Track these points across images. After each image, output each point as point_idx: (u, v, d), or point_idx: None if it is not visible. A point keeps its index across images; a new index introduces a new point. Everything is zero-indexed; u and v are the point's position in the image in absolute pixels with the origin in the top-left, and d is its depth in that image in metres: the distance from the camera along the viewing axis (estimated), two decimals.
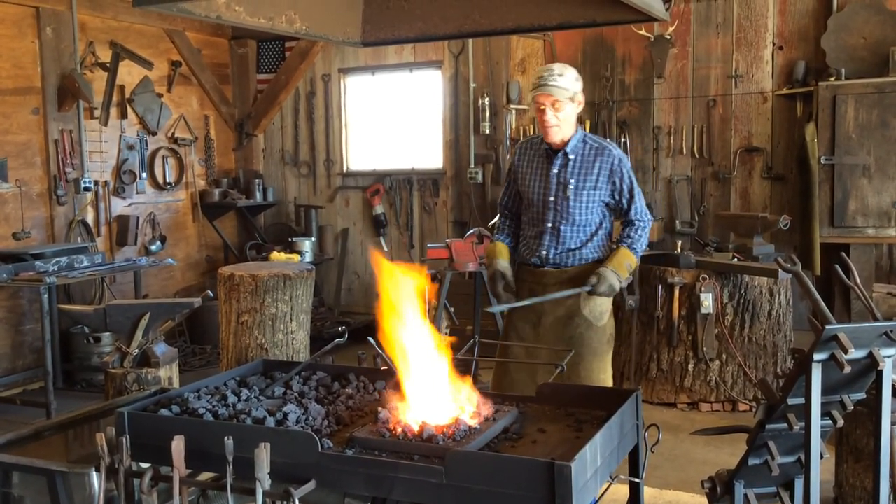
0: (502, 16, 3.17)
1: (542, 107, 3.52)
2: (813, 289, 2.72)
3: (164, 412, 2.59)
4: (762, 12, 6.88)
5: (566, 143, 3.61)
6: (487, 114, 7.73)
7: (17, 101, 6.55)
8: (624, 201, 3.64)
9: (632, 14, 2.77)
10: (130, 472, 2.38)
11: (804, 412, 2.45)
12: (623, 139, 7.35)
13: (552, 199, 3.62)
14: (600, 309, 3.63)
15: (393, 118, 8.46)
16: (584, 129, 3.76)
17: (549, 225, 3.64)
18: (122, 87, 7.39)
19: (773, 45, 6.88)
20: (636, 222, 3.65)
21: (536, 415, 2.69)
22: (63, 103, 6.79)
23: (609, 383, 3.69)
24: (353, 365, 3.25)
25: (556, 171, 3.62)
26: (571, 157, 3.61)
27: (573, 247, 3.64)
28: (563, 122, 3.55)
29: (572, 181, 3.59)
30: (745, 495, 2.80)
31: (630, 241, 3.63)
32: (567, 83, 3.52)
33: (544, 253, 3.67)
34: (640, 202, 3.66)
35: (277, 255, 7.55)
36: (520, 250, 3.83)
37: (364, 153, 8.66)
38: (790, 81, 6.76)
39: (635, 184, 3.66)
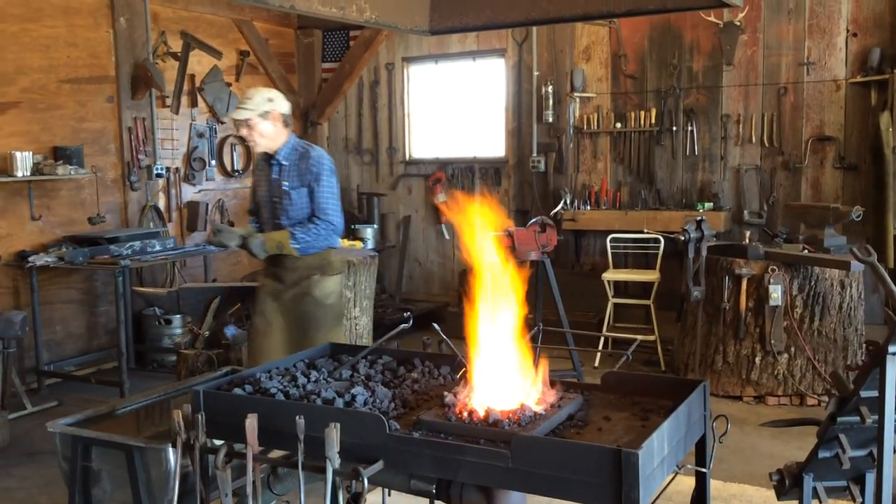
0: (570, 2, 3.15)
1: (240, 126, 4.11)
2: (889, 279, 2.66)
3: (237, 391, 2.67)
4: None
5: (278, 152, 4.15)
6: (551, 102, 7.70)
7: (93, 90, 6.76)
8: (311, 196, 4.14)
9: (704, 0, 2.72)
10: (205, 448, 2.46)
11: (877, 405, 2.40)
12: (690, 127, 7.25)
13: (275, 199, 4.17)
14: (328, 291, 4.17)
15: (456, 107, 8.48)
16: (298, 136, 4.40)
17: (276, 222, 4.18)
18: (192, 76, 7.56)
19: (847, 31, 6.69)
20: (314, 219, 4.11)
21: (601, 403, 2.68)
22: (136, 92, 6.98)
23: None
24: (418, 350, 3.28)
25: (274, 176, 4.17)
26: (285, 163, 4.16)
27: None
28: (263, 136, 4.10)
29: (286, 183, 4.13)
30: (815, 488, 2.76)
31: (298, 227, 4.09)
32: (255, 105, 4.06)
33: None
34: (320, 200, 4.12)
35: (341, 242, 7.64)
36: None
37: (426, 141, 8.71)
38: (864, 69, 6.57)
39: (323, 183, 4.13)
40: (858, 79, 6.60)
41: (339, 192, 4.26)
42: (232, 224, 7.94)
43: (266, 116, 4.07)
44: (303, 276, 4.13)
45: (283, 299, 4.18)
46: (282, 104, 4.14)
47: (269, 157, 4.20)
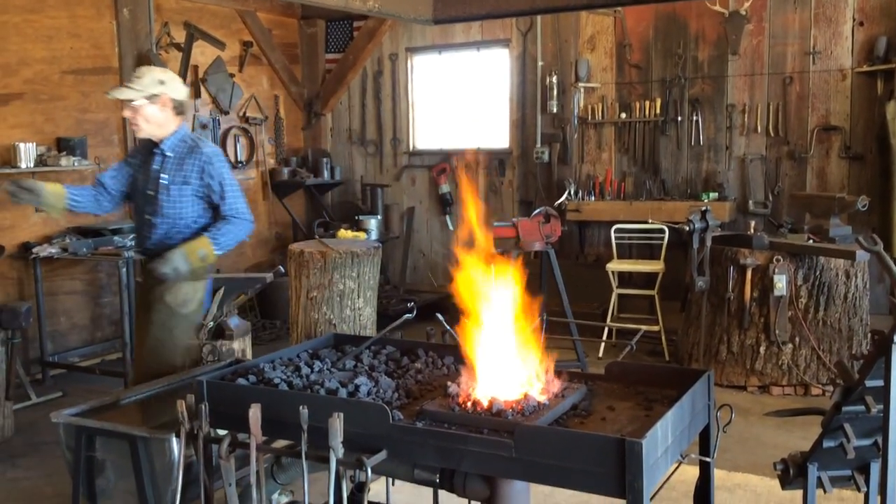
0: None
1: (124, 107, 3.69)
2: (894, 269, 2.64)
3: (241, 381, 2.67)
4: None
5: (163, 141, 3.74)
6: (555, 92, 7.67)
7: (96, 81, 6.75)
8: (215, 197, 3.74)
9: None
10: (209, 438, 2.46)
11: (883, 394, 2.39)
12: (695, 117, 7.22)
13: (150, 192, 3.75)
14: (183, 298, 3.73)
15: (460, 97, 8.46)
16: (189, 127, 3.99)
17: (147, 217, 3.78)
18: (195, 68, 7.55)
19: (854, 20, 6.65)
20: (227, 218, 3.73)
21: (605, 393, 2.68)
22: None
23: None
24: (422, 340, 3.27)
25: (156, 167, 3.75)
26: (169, 154, 3.74)
27: (166, 238, 3.74)
28: (149, 122, 3.69)
29: (165, 177, 3.72)
30: (819, 478, 2.75)
31: (213, 231, 3.70)
32: (143, 86, 3.64)
33: (144, 243, 3.85)
34: (233, 199, 3.75)
35: (344, 233, 7.64)
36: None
37: (430, 132, 8.69)
38: (871, 58, 6.54)
39: (227, 181, 3.74)
40: (865, 68, 6.56)
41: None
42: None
43: (154, 100, 3.65)
44: (158, 281, 3.69)
45: (140, 309, 3.86)
46: (175, 88, 3.72)
47: (153, 145, 3.77)
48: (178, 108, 3.73)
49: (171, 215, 3.72)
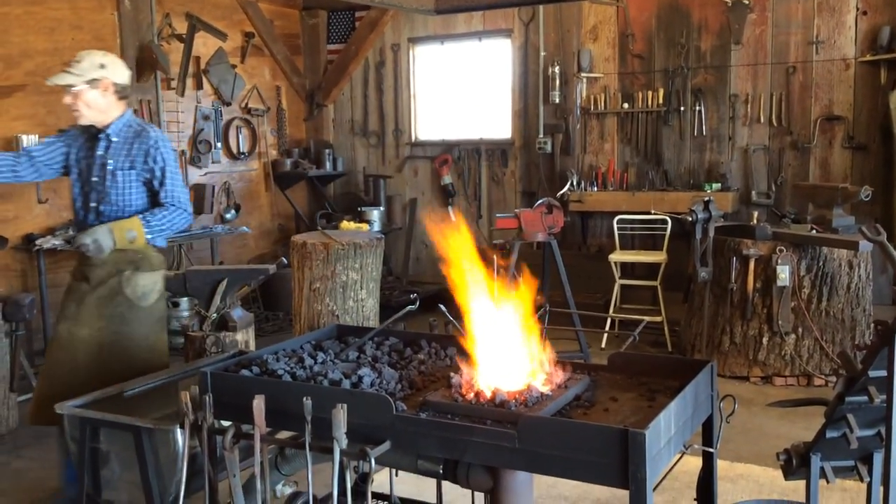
0: None
1: (65, 93, 3.54)
2: None
3: (244, 373, 2.67)
4: None
5: (108, 127, 3.61)
6: (557, 83, 7.66)
7: None
8: (156, 183, 3.63)
9: None
10: (213, 429, 2.46)
11: (886, 385, 2.39)
12: (697, 107, 7.20)
13: (95, 179, 3.62)
14: (143, 290, 3.63)
15: (462, 88, 8.45)
16: (134, 112, 3.84)
17: (93, 204, 3.64)
18: (197, 59, 7.54)
19: (857, 9, 6.63)
20: (165, 205, 3.62)
21: (608, 383, 2.68)
22: (141, 74, 6.96)
23: (159, 366, 3.61)
24: (425, 332, 3.27)
25: (100, 152, 3.62)
26: (115, 139, 3.61)
27: None
28: (91, 108, 3.55)
29: (111, 162, 3.59)
30: (822, 468, 2.75)
31: (147, 214, 3.59)
32: (82, 70, 3.50)
33: None
34: (173, 186, 3.64)
35: (347, 225, 7.63)
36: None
37: (433, 123, 8.68)
38: (874, 48, 6.52)
39: (170, 167, 3.63)
40: (868, 57, 6.54)
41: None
42: (238, 207, 7.95)
43: (95, 85, 3.49)
44: (111, 273, 3.54)
45: (87, 303, 3.57)
46: (117, 72, 3.55)
47: (97, 131, 3.62)
48: (121, 93, 3.59)
49: (119, 203, 3.60)
